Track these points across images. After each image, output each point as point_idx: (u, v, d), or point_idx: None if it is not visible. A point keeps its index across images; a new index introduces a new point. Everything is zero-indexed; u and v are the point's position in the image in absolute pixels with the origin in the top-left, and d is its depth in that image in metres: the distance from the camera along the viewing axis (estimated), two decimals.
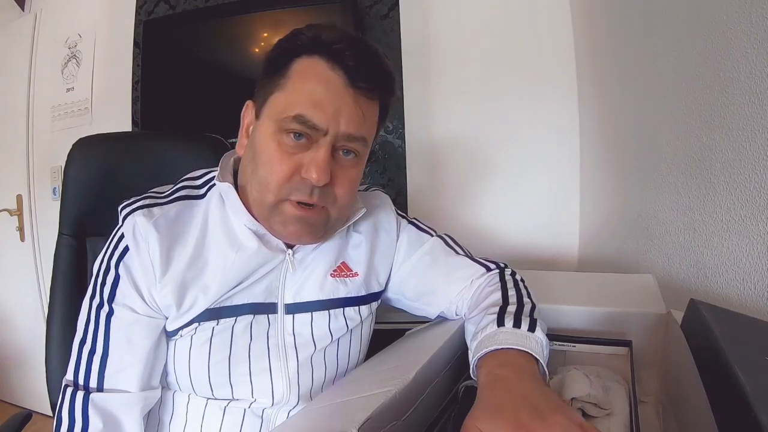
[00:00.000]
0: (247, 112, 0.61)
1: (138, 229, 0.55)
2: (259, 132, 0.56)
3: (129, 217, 0.56)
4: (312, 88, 0.53)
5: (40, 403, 1.92)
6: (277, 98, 0.55)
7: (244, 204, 0.58)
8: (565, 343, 0.65)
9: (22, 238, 2.04)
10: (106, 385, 0.55)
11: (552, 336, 0.59)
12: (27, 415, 0.84)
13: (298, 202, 0.54)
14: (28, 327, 2.04)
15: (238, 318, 0.59)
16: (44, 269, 2.00)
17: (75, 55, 1.93)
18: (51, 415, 0.62)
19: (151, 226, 0.55)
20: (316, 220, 0.56)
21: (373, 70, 0.55)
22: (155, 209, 0.57)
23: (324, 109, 0.52)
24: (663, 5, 0.83)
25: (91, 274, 0.59)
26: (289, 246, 0.61)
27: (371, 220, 0.69)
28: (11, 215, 2.03)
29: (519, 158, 1.42)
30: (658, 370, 0.65)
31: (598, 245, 1.24)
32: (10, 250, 2.07)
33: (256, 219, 0.58)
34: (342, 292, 0.64)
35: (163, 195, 0.60)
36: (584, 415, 0.51)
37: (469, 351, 0.53)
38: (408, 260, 0.70)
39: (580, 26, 1.32)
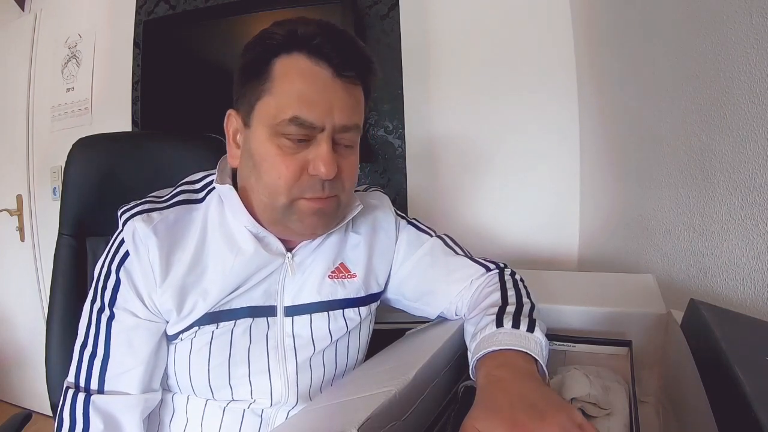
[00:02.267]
0: (230, 121, 0.60)
1: (138, 234, 0.55)
2: (254, 140, 0.55)
3: (129, 223, 0.56)
4: (300, 87, 0.52)
5: (40, 403, 1.92)
6: (265, 103, 0.54)
7: (245, 206, 0.58)
8: (565, 343, 0.65)
9: (22, 238, 2.04)
10: (106, 388, 0.55)
11: (552, 336, 0.59)
12: (27, 415, 0.84)
13: (312, 198, 0.55)
14: (28, 327, 2.04)
15: (238, 321, 0.59)
16: (44, 269, 2.00)
17: (75, 55, 1.93)
18: (51, 415, 0.62)
19: (150, 232, 0.55)
20: (331, 209, 0.57)
21: (355, 56, 0.55)
22: (154, 214, 0.56)
23: (317, 106, 0.52)
24: (663, 5, 0.83)
25: (91, 275, 0.59)
26: (289, 249, 0.61)
27: (370, 221, 0.69)
28: (11, 215, 2.03)
29: (519, 158, 1.42)
30: (658, 370, 0.65)
31: (598, 245, 1.24)
32: (10, 250, 2.07)
33: (257, 221, 0.58)
34: (340, 294, 0.64)
35: (162, 199, 0.59)
36: (584, 415, 0.51)
37: (469, 351, 0.53)
38: (407, 261, 0.70)
39: (580, 26, 1.32)
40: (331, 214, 0.58)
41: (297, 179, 0.54)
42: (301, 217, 0.56)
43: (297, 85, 0.52)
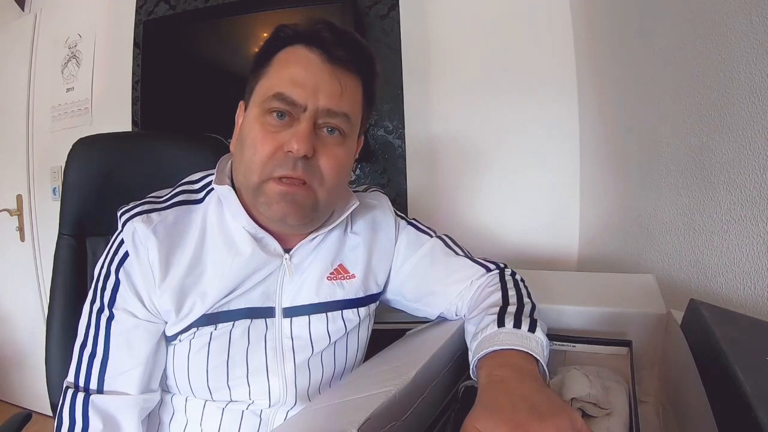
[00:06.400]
0: (240, 111, 0.62)
1: (137, 235, 0.55)
2: (246, 119, 0.58)
3: (128, 223, 0.56)
4: (292, 70, 0.54)
5: (40, 403, 1.92)
6: (261, 85, 0.57)
7: (243, 207, 0.58)
8: (565, 343, 0.65)
9: (22, 238, 2.04)
10: (106, 388, 0.55)
11: (552, 336, 0.59)
12: (27, 415, 0.84)
13: (282, 178, 0.54)
14: (28, 327, 2.04)
15: (236, 322, 0.59)
16: (44, 269, 1.99)
17: (75, 55, 1.93)
18: (51, 415, 0.62)
19: (150, 233, 0.55)
20: (302, 198, 0.55)
21: (349, 43, 0.56)
22: (154, 215, 0.57)
23: (303, 86, 0.53)
24: (663, 5, 0.83)
25: (91, 275, 0.59)
26: (287, 250, 0.61)
27: (369, 221, 0.69)
28: (11, 215, 2.03)
29: (519, 158, 1.42)
30: (658, 370, 0.65)
31: (598, 245, 1.24)
32: (10, 250, 2.07)
33: (255, 220, 0.58)
34: (339, 295, 0.64)
35: (161, 200, 0.60)
36: (584, 415, 0.51)
37: (470, 351, 0.53)
38: (407, 261, 0.70)
39: (580, 26, 1.32)
40: (302, 204, 0.55)
41: (271, 157, 0.54)
42: (269, 200, 0.55)
43: (290, 68, 0.55)
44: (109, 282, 0.56)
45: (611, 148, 1.15)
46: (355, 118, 0.59)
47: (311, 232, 0.61)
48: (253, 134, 0.55)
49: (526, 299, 0.59)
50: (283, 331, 0.61)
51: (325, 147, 0.56)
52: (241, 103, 0.62)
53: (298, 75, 0.54)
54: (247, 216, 0.57)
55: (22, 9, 2.05)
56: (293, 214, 0.55)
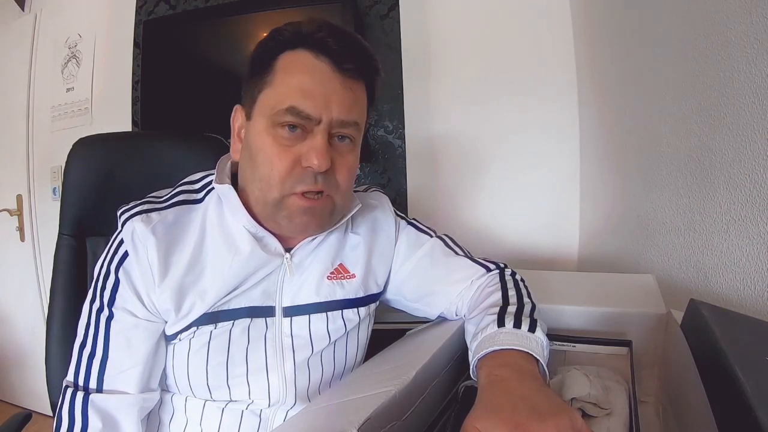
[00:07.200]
0: (237, 116, 0.61)
1: (137, 234, 0.55)
2: (253, 131, 0.56)
3: (128, 223, 0.56)
4: (300, 79, 0.53)
5: (40, 403, 1.92)
6: (266, 95, 0.55)
7: (244, 205, 0.58)
8: (565, 343, 0.65)
9: (22, 238, 2.04)
10: (105, 387, 0.55)
11: (552, 336, 0.59)
12: (27, 415, 0.84)
13: (304, 193, 0.54)
14: (28, 327, 2.04)
15: (236, 321, 0.59)
16: (44, 269, 1.99)
17: (75, 55, 1.93)
18: (51, 415, 0.62)
19: (149, 232, 0.55)
20: (322, 209, 0.56)
21: (356, 50, 0.55)
22: (153, 214, 0.57)
23: (314, 97, 0.53)
24: (663, 5, 0.83)
25: (91, 275, 0.59)
26: (287, 249, 0.61)
27: (369, 221, 0.69)
28: (11, 215, 2.02)
29: (519, 158, 1.42)
30: (658, 370, 0.65)
31: (598, 245, 1.24)
32: (10, 250, 2.07)
33: (256, 220, 0.58)
34: (339, 295, 0.64)
35: (161, 199, 0.60)
36: (584, 415, 0.51)
37: (470, 351, 0.53)
38: (407, 261, 0.70)
39: (580, 26, 1.32)
40: (322, 215, 0.57)
41: (289, 172, 0.53)
42: (290, 214, 0.55)
43: (298, 77, 0.53)
44: (108, 281, 0.56)
45: (611, 148, 1.15)
46: (363, 123, 0.59)
47: None
48: (266, 149, 0.54)
49: (526, 299, 0.59)
50: (283, 330, 0.61)
51: (341, 157, 0.56)
52: (239, 107, 0.60)
53: (308, 85, 0.53)
54: (248, 215, 0.57)
55: (22, 9, 2.05)
56: (314, 225, 0.57)
